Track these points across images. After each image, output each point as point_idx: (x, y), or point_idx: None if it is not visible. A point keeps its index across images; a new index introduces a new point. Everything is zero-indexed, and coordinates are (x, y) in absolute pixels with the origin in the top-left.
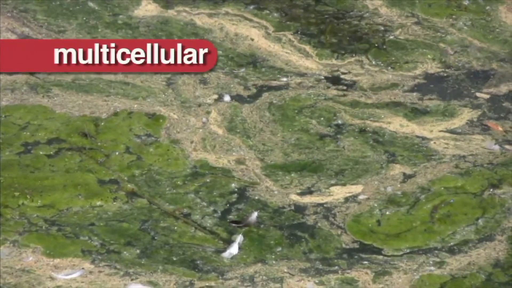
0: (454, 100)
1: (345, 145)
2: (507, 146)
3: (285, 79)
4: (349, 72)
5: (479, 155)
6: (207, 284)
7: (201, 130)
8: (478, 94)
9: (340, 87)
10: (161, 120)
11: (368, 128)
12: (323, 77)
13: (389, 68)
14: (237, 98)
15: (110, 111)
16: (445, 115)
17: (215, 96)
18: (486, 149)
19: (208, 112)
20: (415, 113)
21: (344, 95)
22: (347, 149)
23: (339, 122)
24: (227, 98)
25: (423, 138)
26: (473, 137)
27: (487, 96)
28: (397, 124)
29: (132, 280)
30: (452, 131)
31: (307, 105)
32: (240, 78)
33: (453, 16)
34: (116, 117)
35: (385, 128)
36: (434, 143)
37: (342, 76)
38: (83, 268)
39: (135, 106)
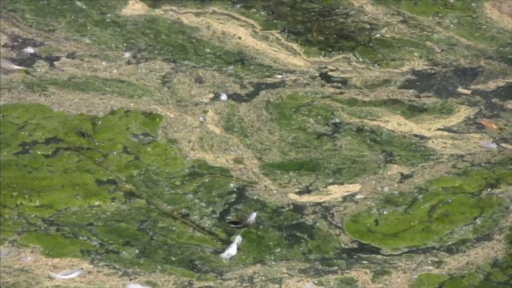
0: (444, 97)
1: (342, 144)
2: (504, 144)
3: (280, 76)
4: (337, 69)
5: (477, 154)
6: (206, 284)
7: (198, 129)
8: (460, 90)
9: (335, 84)
10: (158, 119)
11: (365, 127)
12: (317, 74)
13: (376, 65)
14: (234, 96)
15: (106, 110)
16: (442, 112)
17: (211, 95)
18: (484, 147)
19: (205, 111)
20: (413, 110)
21: (341, 93)
22: (345, 148)
23: (337, 120)
24: (223, 97)
25: (421, 137)
26: (471, 135)
27: (469, 92)
28: (394, 123)
29: (130, 280)
30: (449, 130)
31: (305, 103)
32: (235, 77)
33: (439, 14)
34: (113, 116)
35: (383, 127)
36: (432, 142)
37: (330, 73)
38: (81, 268)
39: (131, 104)
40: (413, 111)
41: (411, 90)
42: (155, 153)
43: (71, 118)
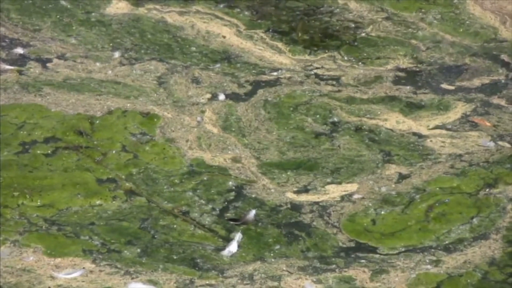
0: (439, 95)
1: (340, 143)
2: (501, 142)
3: (275, 73)
4: (322, 67)
5: (475, 153)
6: (207, 282)
7: (195, 129)
8: (443, 86)
9: (329, 81)
10: (155, 119)
11: (364, 127)
12: (312, 73)
13: (360, 63)
14: (232, 96)
15: (104, 110)
16: (440, 109)
17: (208, 95)
18: (482, 146)
19: (203, 111)
20: (411, 107)
21: (339, 91)
22: (343, 148)
23: (335, 119)
24: (221, 96)
25: (420, 136)
26: (469, 133)
27: (453, 88)
28: (393, 121)
29: (132, 279)
30: (448, 128)
31: (302, 102)
32: (231, 76)
33: (422, 10)
34: (111, 116)
35: (381, 125)
36: (431, 141)
37: (316, 71)
38: (83, 268)
39: (128, 105)
40: (411, 108)
41: (408, 87)
42: (153, 152)
43: (68, 118)
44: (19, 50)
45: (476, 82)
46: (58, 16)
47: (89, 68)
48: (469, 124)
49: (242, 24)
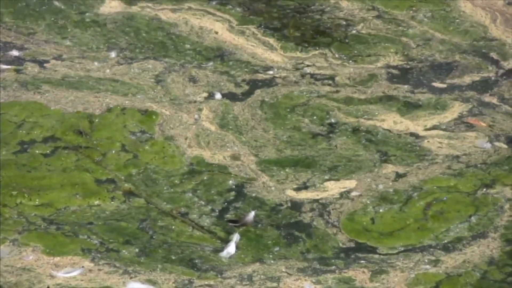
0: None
1: (337, 144)
2: (497, 143)
3: (271, 72)
4: (313, 65)
5: (472, 154)
6: (206, 283)
7: (194, 126)
8: (434, 84)
9: (324, 81)
10: (154, 116)
11: (361, 127)
12: (305, 71)
13: (351, 61)
14: (229, 96)
15: (102, 108)
16: (437, 108)
17: (205, 94)
18: (479, 147)
19: (200, 109)
20: (408, 107)
21: (337, 91)
22: (340, 148)
23: (332, 121)
24: (218, 96)
25: (417, 137)
26: (466, 134)
27: (444, 86)
28: (390, 121)
29: (131, 278)
30: (444, 128)
31: (300, 103)
32: (227, 75)
33: (413, 8)
34: (110, 114)
35: (379, 126)
36: (428, 141)
37: (307, 69)
38: (82, 267)
39: (126, 102)
40: (408, 107)
41: (406, 86)
42: (153, 151)
43: (68, 116)
44: (14, 53)
45: (467, 79)
46: (52, 18)
47: (87, 67)
48: (465, 125)
49: (234, 19)
